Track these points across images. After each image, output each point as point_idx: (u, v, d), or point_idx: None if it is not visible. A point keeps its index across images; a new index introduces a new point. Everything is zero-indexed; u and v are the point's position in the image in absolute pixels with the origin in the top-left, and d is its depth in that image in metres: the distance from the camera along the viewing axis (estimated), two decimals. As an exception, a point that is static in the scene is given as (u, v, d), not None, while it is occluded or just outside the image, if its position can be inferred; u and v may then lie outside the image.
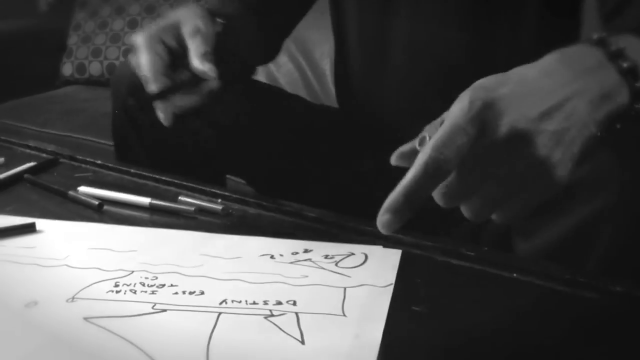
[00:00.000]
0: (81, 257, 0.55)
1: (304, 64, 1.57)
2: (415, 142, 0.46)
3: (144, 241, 0.58)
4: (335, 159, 0.92)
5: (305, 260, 0.54)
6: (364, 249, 0.56)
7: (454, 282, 0.52)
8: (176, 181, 0.73)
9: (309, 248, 0.56)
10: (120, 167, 0.78)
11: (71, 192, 0.69)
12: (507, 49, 0.76)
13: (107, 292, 0.49)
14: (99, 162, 0.81)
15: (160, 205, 0.65)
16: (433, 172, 0.40)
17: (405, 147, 0.48)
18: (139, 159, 0.86)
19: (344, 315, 0.45)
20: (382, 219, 0.41)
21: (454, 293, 0.51)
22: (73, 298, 0.48)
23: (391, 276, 0.51)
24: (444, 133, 0.41)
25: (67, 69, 1.63)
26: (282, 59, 1.59)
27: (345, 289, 0.49)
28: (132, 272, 0.52)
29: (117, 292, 0.49)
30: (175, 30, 0.70)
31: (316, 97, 1.54)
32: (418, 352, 0.43)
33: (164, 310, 0.46)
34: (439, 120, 0.47)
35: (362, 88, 0.90)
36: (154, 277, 0.51)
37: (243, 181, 1.00)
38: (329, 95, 1.54)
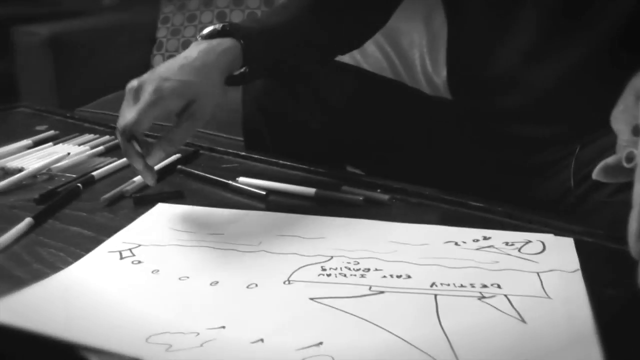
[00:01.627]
0: (274, 243, 0.60)
1: (392, 53, 1.61)
2: (620, 157, 0.46)
3: (327, 229, 0.63)
4: (449, 148, 0.97)
5: (489, 247, 0.58)
6: (538, 237, 0.60)
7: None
8: (330, 172, 0.78)
9: (487, 235, 0.60)
10: (268, 159, 0.84)
11: (235, 183, 0.75)
12: None
13: (319, 275, 0.54)
14: (242, 153, 0.87)
15: (327, 195, 0.70)
16: None
17: (610, 161, 0.48)
18: (268, 151, 0.92)
19: (549, 297, 0.50)
20: (637, 247, 0.42)
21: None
22: (289, 280, 0.53)
23: (575, 262, 0.55)
24: None
25: (157, 61, 1.70)
26: (370, 48, 1.63)
27: (538, 273, 0.53)
28: (332, 257, 0.57)
29: (328, 275, 0.54)
30: (188, 101, 0.69)
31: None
32: (634, 332, 0.47)
33: (382, 292, 0.51)
34: (625, 133, 0.47)
35: (480, 74, 0.93)
36: (355, 262, 0.56)
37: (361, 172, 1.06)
38: (417, 85, 1.58)
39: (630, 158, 0.44)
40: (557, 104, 0.86)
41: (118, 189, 0.74)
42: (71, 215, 0.69)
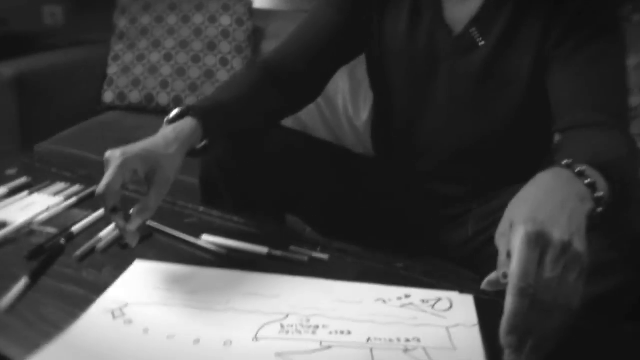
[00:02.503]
0: (240, 302, 0.70)
1: (321, 101, 1.73)
2: (499, 275, 0.58)
3: (280, 287, 0.73)
4: (373, 201, 1.09)
5: (409, 304, 0.71)
6: (446, 295, 0.73)
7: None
8: (279, 230, 0.88)
9: (407, 294, 0.73)
10: (224, 216, 0.93)
11: (200, 242, 0.84)
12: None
13: (279, 332, 0.64)
14: (201, 209, 0.96)
15: (278, 254, 0.81)
16: (525, 298, 0.53)
17: (491, 277, 0.60)
18: (223, 201, 1.01)
19: (455, 348, 0.62)
20: (506, 340, 0.53)
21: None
22: (256, 337, 0.63)
23: (474, 317, 0.68)
24: (520, 265, 0.53)
25: (108, 97, 1.74)
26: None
27: (447, 328, 0.66)
28: (288, 315, 0.67)
29: (287, 332, 0.64)
30: (151, 167, 0.78)
31: (331, 130, 1.70)
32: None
33: (330, 347, 0.62)
34: (503, 254, 0.60)
35: (400, 140, 1.06)
36: (307, 319, 0.67)
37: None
38: (340, 126, 1.70)
39: (505, 276, 0.56)
40: (462, 168, 1.01)
41: (88, 245, 0.82)
42: (60, 272, 0.76)
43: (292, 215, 1.10)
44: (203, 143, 0.87)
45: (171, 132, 0.82)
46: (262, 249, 0.82)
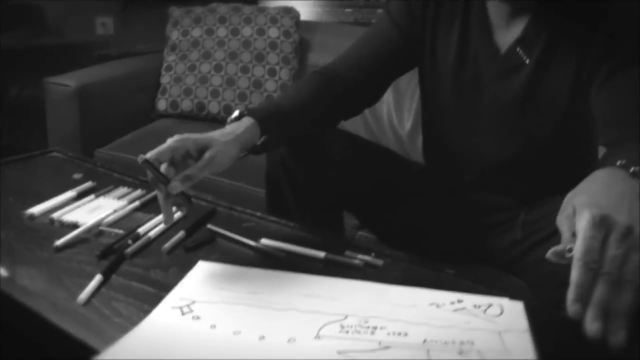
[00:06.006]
0: (300, 302, 0.72)
1: (366, 110, 1.73)
2: (564, 249, 0.61)
3: (338, 290, 0.76)
4: (422, 205, 1.11)
5: (463, 309, 0.72)
6: (497, 301, 0.74)
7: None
8: (334, 235, 0.91)
9: (460, 299, 0.74)
10: (279, 221, 0.96)
11: (260, 246, 0.87)
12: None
13: (339, 332, 0.66)
14: (258, 214, 0.99)
15: (334, 258, 0.83)
16: (589, 271, 0.56)
17: (557, 248, 0.62)
18: (285, 198, 1.04)
19: (508, 352, 0.64)
20: (573, 308, 0.56)
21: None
22: (318, 336, 0.66)
23: (524, 323, 0.69)
24: (586, 243, 0.57)
25: (161, 105, 1.80)
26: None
27: (500, 332, 0.68)
28: (347, 316, 0.70)
29: (347, 332, 0.66)
30: (202, 148, 0.83)
31: (375, 139, 1.72)
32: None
33: (389, 347, 0.64)
34: (566, 233, 0.63)
35: (447, 151, 1.08)
36: (365, 320, 0.69)
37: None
38: (384, 135, 1.72)
39: (570, 250, 0.60)
40: (506, 181, 1.02)
41: (175, 239, 0.87)
42: (129, 271, 0.80)
43: (348, 212, 1.13)
44: (262, 139, 0.91)
45: (228, 128, 0.88)
46: (319, 253, 0.84)
